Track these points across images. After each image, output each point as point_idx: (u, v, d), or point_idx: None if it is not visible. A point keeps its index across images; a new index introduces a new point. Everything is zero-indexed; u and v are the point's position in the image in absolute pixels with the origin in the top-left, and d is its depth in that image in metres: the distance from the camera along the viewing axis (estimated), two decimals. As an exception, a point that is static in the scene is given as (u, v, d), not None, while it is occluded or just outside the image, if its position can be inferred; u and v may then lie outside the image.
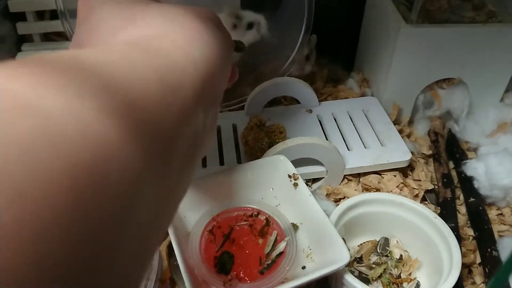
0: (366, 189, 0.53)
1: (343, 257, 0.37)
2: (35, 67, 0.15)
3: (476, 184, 0.53)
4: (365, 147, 0.56)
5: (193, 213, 0.43)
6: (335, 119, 0.61)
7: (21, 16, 0.69)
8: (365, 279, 0.45)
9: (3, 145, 0.11)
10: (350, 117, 0.61)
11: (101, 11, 0.27)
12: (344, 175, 0.54)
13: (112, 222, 0.14)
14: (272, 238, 0.40)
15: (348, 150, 0.55)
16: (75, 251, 0.12)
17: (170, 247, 0.45)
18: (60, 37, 0.74)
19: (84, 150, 0.13)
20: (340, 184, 0.54)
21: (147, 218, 0.17)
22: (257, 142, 0.51)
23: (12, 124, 0.12)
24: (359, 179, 0.54)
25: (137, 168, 0.15)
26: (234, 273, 0.38)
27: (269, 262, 0.38)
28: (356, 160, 0.54)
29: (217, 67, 0.25)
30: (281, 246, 0.39)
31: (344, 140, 0.57)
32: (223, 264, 0.38)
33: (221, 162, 0.54)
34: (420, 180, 0.55)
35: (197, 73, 0.22)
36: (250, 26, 0.59)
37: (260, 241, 0.41)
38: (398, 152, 0.54)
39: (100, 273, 0.13)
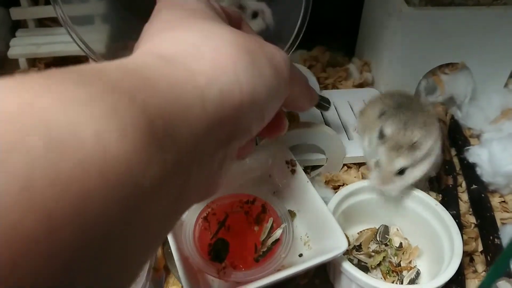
0: (366, 177, 0.52)
1: (341, 245, 0.36)
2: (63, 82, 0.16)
3: (479, 171, 0.51)
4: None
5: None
6: (336, 109, 0.59)
7: (15, 1, 0.68)
8: (364, 267, 0.44)
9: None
10: (351, 107, 0.60)
11: (159, 13, 0.26)
12: (344, 164, 0.53)
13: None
14: (268, 225, 0.39)
15: (349, 139, 0.54)
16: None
17: (164, 234, 0.44)
18: (55, 23, 0.73)
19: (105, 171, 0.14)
20: (339, 172, 0.53)
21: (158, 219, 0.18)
22: None
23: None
24: (358, 167, 0.53)
25: (154, 184, 0.16)
26: (229, 260, 0.37)
27: (265, 249, 0.38)
28: (356, 149, 0.52)
29: (240, 111, 0.22)
30: (277, 233, 0.38)
31: (345, 129, 0.56)
32: (217, 252, 0.37)
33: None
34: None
35: (205, 114, 0.19)
36: (254, 15, 0.58)
37: (256, 228, 0.40)
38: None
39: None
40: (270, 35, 0.61)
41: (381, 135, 0.43)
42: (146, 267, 0.38)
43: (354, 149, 0.52)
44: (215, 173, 0.23)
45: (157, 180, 0.16)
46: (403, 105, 0.45)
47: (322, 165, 0.52)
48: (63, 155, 0.13)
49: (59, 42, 0.68)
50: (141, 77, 0.18)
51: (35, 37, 0.68)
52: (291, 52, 0.61)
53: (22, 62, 0.67)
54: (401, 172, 0.42)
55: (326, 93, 0.62)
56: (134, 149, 0.15)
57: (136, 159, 0.15)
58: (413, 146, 0.41)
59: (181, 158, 0.18)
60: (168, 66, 0.20)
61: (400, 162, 0.41)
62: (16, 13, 0.68)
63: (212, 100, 0.20)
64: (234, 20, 0.31)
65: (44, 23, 0.72)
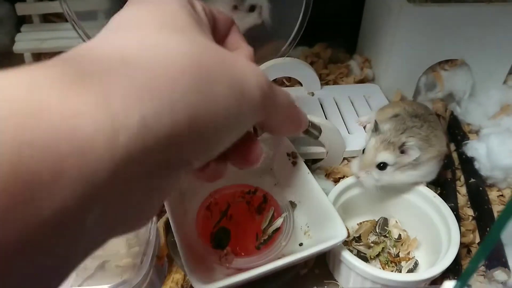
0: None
1: (341, 234, 0.37)
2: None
3: (477, 165, 0.52)
4: (365, 131, 0.55)
5: (190, 190, 0.43)
6: (336, 103, 0.60)
7: (20, -3, 0.69)
8: (363, 258, 0.44)
9: None
10: (351, 102, 0.60)
11: (126, 7, 0.23)
12: (344, 158, 0.54)
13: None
14: (269, 214, 0.40)
15: (349, 133, 0.55)
16: None
17: (167, 224, 0.45)
18: (59, 19, 0.73)
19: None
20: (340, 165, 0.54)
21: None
22: None
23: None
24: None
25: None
26: (231, 248, 0.38)
27: (266, 237, 0.38)
28: (356, 143, 0.53)
29: (172, 140, 0.18)
30: (278, 222, 0.39)
31: (345, 124, 0.57)
32: (219, 240, 0.38)
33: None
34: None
35: (114, 149, 0.16)
36: (251, 8, 0.58)
37: (257, 217, 0.40)
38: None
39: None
40: (271, 31, 0.62)
41: (376, 128, 0.44)
42: (150, 256, 0.38)
43: (354, 143, 0.53)
44: (142, 205, 0.20)
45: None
46: (419, 116, 0.46)
47: (322, 159, 0.53)
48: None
49: (64, 37, 0.69)
50: (27, 101, 0.14)
51: (40, 32, 0.69)
52: (291, 48, 0.62)
53: (27, 57, 0.68)
54: (383, 167, 0.42)
55: (327, 89, 0.63)
56: None
57: None
58: (402, 150, 0.42)
59: (67, 206, 0.14)
60: (76, 84, 0.16)
61: (383, 156, 0.42)
62: (21, 9, 0.69)
63: (129, 130, 0.16)
64: (221, 24, 0.28)
65: (49, 18, 0.73)
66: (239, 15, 0.58)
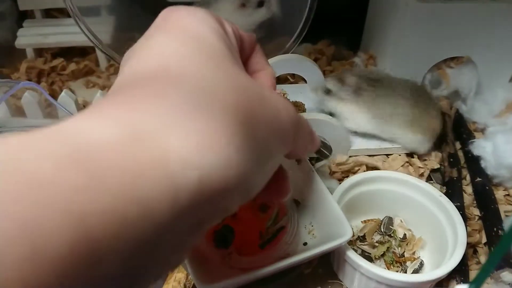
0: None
1: (346, 233, 0.37)
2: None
3: (483, 164, 0.51)
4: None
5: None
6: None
7: (22, -9, 0.68)
8: (367, 258, 0.44)
9: None
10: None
11: (151, 39, 0.22)
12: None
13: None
14: (274, 212, 0.39)
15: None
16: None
17: (170, 222, 0.45)
18: (61, 14, 0.73)
19: None
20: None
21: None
22: None
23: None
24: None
25: None
26: (234, 247, 0.37)
27: (270, 236, 0.38)
28: (361, 142, 0.53)
29: (222, 195, 0.17)
30: (283, 221, 0.38)
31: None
32: (222, 238, 0.38)
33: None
34: (426, 159, 0.54)
35: (175, 207, 0.15)
36: (260, 4, 0.58)
37: (261, 216, 0.40)
38: (403, 137, 0.53)
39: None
40: (276, 27, 0.61)
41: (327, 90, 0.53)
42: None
43: (360, 142, 0.52)
44: (165, 262, 0.18)
45: None
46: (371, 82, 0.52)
47: (328, 157, 0.52)
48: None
49: (66, 33, 0.68)
50: (88, 166, 0.14)
51: (42, 27, 0.69)
52: (296, 44, 0.61)
53: (29, 52, 0.67)
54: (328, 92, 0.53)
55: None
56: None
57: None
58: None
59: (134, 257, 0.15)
60: (132, 145, 0.15)
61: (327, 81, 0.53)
62: (23, 4, 0.69)
63: (187, 190, 0.16)
64: (246, 44, 0.26)
65: (51, 13, 0.73)
66: (247, 12, 0.57)
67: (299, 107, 0.52)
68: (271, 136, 0.20)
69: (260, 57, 0.28)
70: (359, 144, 0.52)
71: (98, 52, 0.69)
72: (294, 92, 0.60)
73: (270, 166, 0.22)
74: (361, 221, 0.46)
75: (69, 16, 0.70)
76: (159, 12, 0.25)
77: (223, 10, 0.59)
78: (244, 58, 0.27)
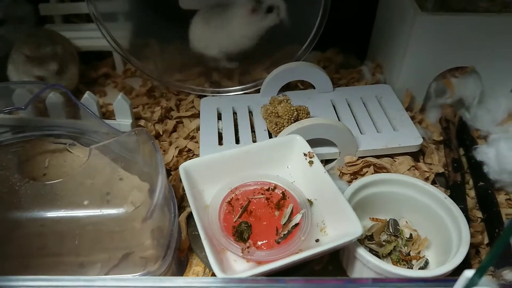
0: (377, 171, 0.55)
1: (356, 230, 0.39)
2: None
3: (485, 169, 0.54)
4: (377, 131, 0.57)
5: (211, 186, 0.45)
6: (348, 105, 0.62)
7: (43, -2, 0.71)
8: (375, 256, 0.46)
9: None
10: (364, 103, 0.62)
11: None
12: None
13: None
14: (288, 210, 0.42)
15: (361, 133, 0.57)
16: None
17: (188, 218, 0.47)
18: (80, 19, 0.76)
19: None
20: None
21: None
22: (288, 113, 0.53)
23: None
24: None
25: None
26: (252, 241, 0.39)
27: (285, 232, 0.40)
28: (368, 143, 0.55)
29: None
30: (297, 218, 0.41)
31: (357, 124, 0.58)
32: (241, 233, 0.40)
33: (237, 142, 0.56)
34: (431, 164, 0.56)
35: None
36: (270, 9, 0.60)
37: (277, 213, 0.42)
38: (410, 137, 0.56)
39: None
40: (287, 34, 0.64)
41: None
42: (173, 247, 0.40)
43: (367, 143, 0.55)
44: None
45: None
46: None
47: (336, 159, 0.55)
48: None
49: (84, 38, 0.71)
50: None
51: (62, 32, 0.71)
52: (308, 52, 0.63)
53: (49, 56, 0.70)
54: None
55: (339, 90, 0.65)
56: None
57: None
58: None
59: None
60: None
61: None
62: (44, 9, 0.71)
63: None
64: None
65: (69, 19, 0.75)
66: (258, 17, 0.60)
67: (302, 111, 0.55)
68: None
69: None
70: (365, 145, 0.54)
71: (115, 56, 0.72)
72: (303, 98, 0.62)
73: None
74: (369, 218, 0.49)
75: (87, 21, 0.74)
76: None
77: (236, 15, 0.62)
78: None
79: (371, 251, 0.47)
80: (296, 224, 0.40)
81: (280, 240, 0.40)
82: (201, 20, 0.63)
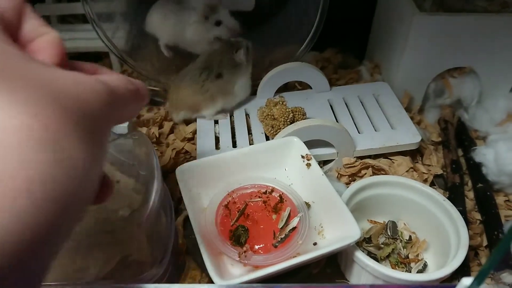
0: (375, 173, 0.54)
1: (354, 234, 0.39)
2: None
3: (484, 170, 0.53)
4: (375, 130, 0.57)
5: (208, 189, 0.44)
6: (346, 104, 0.62)
7: (39, -2, 0.70)
8: (373, 259, 0.45)
9: None
10: (361, 102, 0.62)
11: None
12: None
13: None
14: (286, 214, 0.41)
15: (359, 133, 0.56)
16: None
17: (185, 221, 0.47)
18: (76, 20, 0.75)
19: None
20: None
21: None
22: (283, 115, 0.53)
23: None
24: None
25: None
26: (249, 245, 0.39)
27: (283, 236, 0.40)
28: (366, 142, 0.55)
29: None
30: (294, 222, 0.40)
31: (355, 123, 0.58)
32: (238, 237, 0.40)
33: (234, 145, 0.55)
34: (429, 165, 0.56)
35: None
36: (218, 23, 0.62)
37: (274, 216, 0.42)
38: (408, 135, 0.55)
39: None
40: (286, 35, 0.63)
41: None
42: (170, 251, 0.40)
43: (365, 142, 0.54)
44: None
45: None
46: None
47: (334, 159, 0.54)
48: None
49: (81, 38, 0.70)
50: None
51: (58, 32, 0.71)
52: (306, 52, 0.63)
53: (45, 57, 0.69)
54: None
55: (337, 89, 0.64)
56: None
57: None
58: None
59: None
60: None
61: None
62: (41, 9, 0.70)
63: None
64: (9, 14, 0.21)
65: (66, 19, 0.75)
66: (207, 25, 0.63)
67: (298, 112, 0.54)
68: (80, 119, 0.18)
69: (34, 22, 0.22)
70: (363, 144, 0.54)
71: (112, 57, 0.71)
72: (300, 98, 0.62)
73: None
74: (368, 220, 0.48)
75: (83, 22, 0.73)
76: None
77: (191, 18, 0.63)
78: (13, 31, 0.21)
79: (369, 253, 0.46)
80: (294, 228, 0.40)
81: (277, 244, 0.39)
82: (160, 6, 0.65)
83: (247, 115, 0.61)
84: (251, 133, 0.57)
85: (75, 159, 0.17)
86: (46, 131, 0.16)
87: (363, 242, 0.47)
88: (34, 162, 0.15)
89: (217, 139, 0.56)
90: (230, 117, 0.60)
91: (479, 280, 0.23)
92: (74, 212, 0.17)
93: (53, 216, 0.16)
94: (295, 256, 0.38)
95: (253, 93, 0.63)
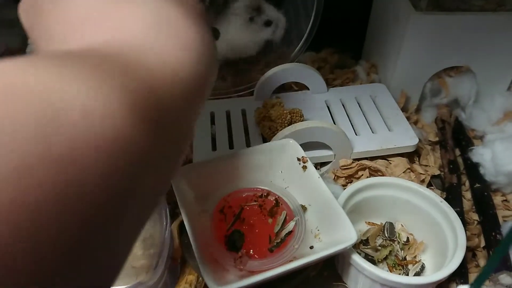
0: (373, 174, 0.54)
1: (351, 237, 0.38)
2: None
3: (482, 170, 0.53)
4: (372, 132, 0.56)
5: (203, 193, 0.44)
6: (343, 105, 0.61)
7: None
8: (371, 261, 0.45)
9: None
10: (358, 103, 0.61)
11: None
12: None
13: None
14: (282, 218, 0.41)
15: (356, 134, 0.56)
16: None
17: (180, 226, 0.46)
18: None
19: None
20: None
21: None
22: (281, 117, 0.52)
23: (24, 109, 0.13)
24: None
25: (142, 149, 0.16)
26: (244, 250, 0.39)
27: (279, 240, 0.39)
28: (363, 144, 0.54)
29: (204, 86, 0.21)
30: (290, 226, 0.40)
31: (352, 125, 0.58)
32: (233, 242, 0.39)
33: (231, 146, 0.55)
34: (427, 166, 0.55)
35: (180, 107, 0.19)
36: (267, 23, 0.60)
37: (270, 220, 0.42)
38: (405, 137, 0.55)
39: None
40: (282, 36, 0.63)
41: None
42: (165, 257, 0.40)
43: (362, 144, 0.54)
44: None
45: (146, 151, 0.16)
46: None
47: (331, 162, 0.54)
48: (53, 132, 0.13)
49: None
50: (118, 62, 0.17)
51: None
52: (301, 53, 0.63)
53: (40, 59, 0.69)
54: None
55: (334, 90, 0.64)
56: (121, 124, 0.15)
57: (123, 132, 0.15)
58: None
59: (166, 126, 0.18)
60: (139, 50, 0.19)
61: None
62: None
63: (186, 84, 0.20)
64: None
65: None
66: (254, 28, 0.59)
67: (296, 114, 0.54)
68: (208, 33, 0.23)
69: None
70: (360, 147, 0.54)
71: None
72: (297, 99, 0.61)
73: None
74: (365, 222, 0.48)
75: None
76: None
77: (233, 22, 0.61)
78: None
79: (366, 255, 0.46)
80: (290, 232, 0.40)
81: (273, 249, 0.39)
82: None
83: (244, 116, 0.60)
84: (248, 134, 0.57)
85: None
86: None
87: (361, 244, 0.47)
88: None
89: (213, 140, 0.56)
90: (227, 118, 0.60)
91: (475, 286, 0.23)
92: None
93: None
94: (292, 261, 0.37)
95: (250, 94, 0.63)
